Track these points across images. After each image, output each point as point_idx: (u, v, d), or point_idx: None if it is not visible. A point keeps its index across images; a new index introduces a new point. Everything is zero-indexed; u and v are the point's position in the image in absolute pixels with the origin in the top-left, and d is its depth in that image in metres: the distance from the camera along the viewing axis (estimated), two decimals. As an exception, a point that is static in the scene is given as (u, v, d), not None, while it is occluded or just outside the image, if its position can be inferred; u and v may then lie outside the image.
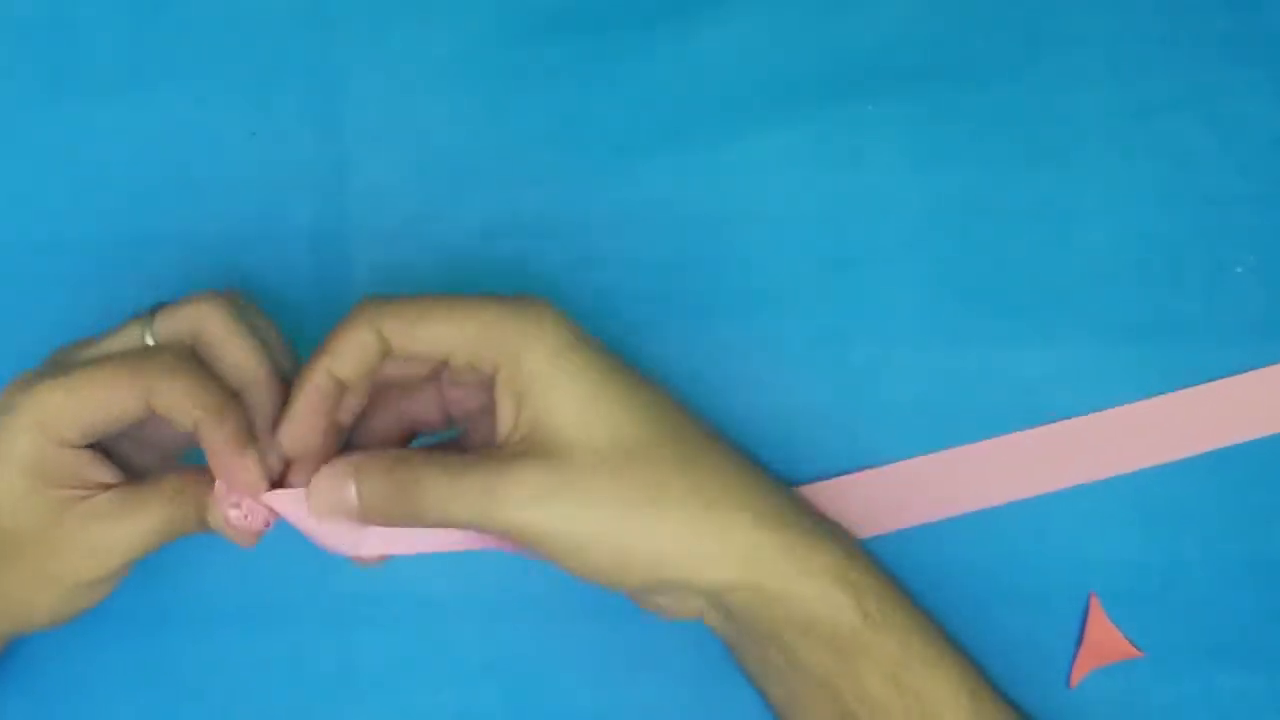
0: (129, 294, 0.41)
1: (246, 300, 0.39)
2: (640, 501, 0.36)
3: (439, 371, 0.39)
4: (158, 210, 0.46)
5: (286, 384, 0.38)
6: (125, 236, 0.46)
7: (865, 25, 0.46)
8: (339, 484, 0.37)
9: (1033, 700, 0.43)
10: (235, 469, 0.37)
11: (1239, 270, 0.45)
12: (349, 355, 0.37)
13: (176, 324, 0.38)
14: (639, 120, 0.46)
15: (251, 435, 0.37)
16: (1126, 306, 0.45)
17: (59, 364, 0.38)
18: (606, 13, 0.47)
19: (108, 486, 0.38)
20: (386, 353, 0.37)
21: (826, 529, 0.39)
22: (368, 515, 0.37)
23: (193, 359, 0.38)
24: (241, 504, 0.38)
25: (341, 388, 0.38)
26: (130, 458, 0.40)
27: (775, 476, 0.40)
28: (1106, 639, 0.43)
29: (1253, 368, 0.44)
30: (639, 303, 0.45)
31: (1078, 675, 0.43)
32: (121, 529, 0.37)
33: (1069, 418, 0.44)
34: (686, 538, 0.37)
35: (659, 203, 0.46)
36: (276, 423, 0.38)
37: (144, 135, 0.46)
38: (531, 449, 0.36)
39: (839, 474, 0.44)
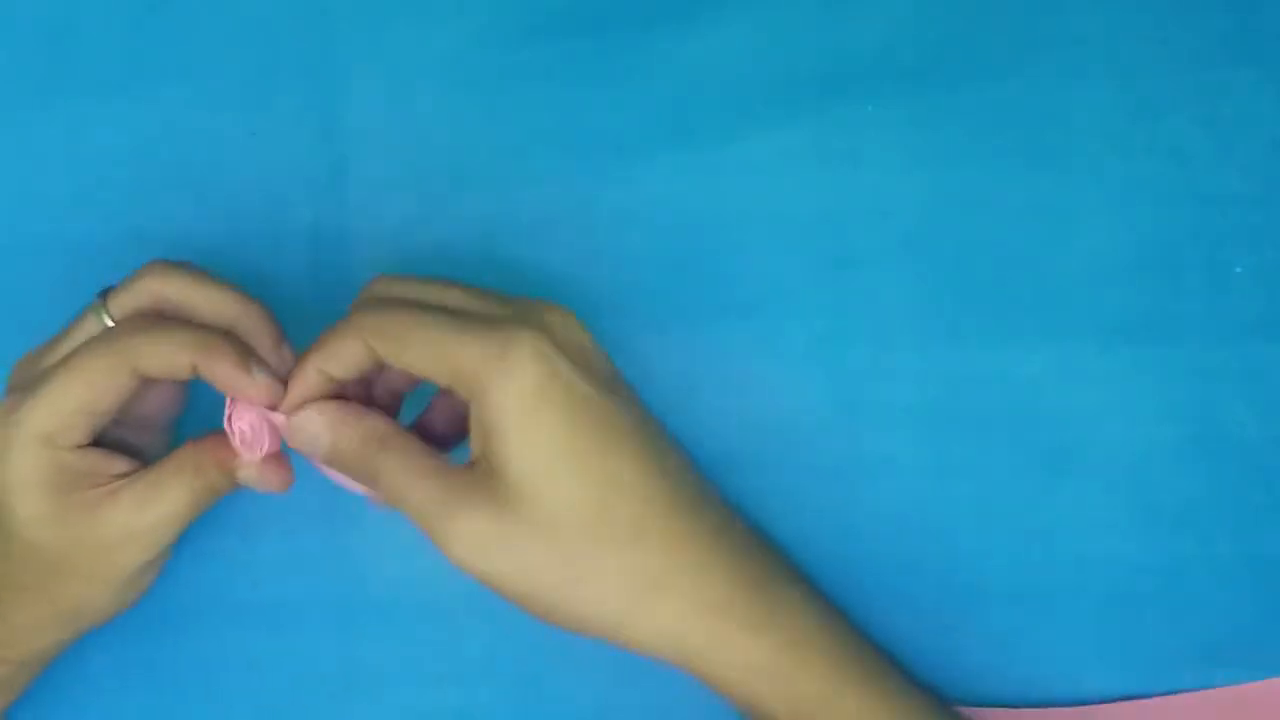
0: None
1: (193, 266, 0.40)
2: (574, 573, 0.36)
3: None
4: (158, 210, 0.46)
5: (269, 312, 0.39)
6: (125, 236, 0.46)
7: (865, 25, 0.46)
8: (314, 433, 0.38)
9: (1029, 702, 0.43)
10: (245, 389, 0.37)
11: (1238, 270, 0.45)
12: (340, 359, 0.38)
13: (133, 299, 0.39)
14: (639, 120, 0.46)
15: (249, 352, 0.38)
16: (1126, 306, 0.45)
17: (30, 375, 0.39)
18: (606, 13, 0.47)
19: (123, 475, 0.38)
20: (377, 359, 0.38)
21: (775, 614, 0.38)
22: (332, 464, 0.38)
23: (158, 316, 0.38)
24: (248, 421, 0.38)
25: (336, 380, 0.38)
26: (128, 441, 0.40)
27: (744, 543, 0.39)
28: None
29: (1252, 368, 0.44)
30: (639, 303, 0.45)
31: None
32: (151, 512, 0.38)
33: (1067, 419, 0.44)
34: (611, 615, 0.37)
35: (659, 203, 0.46)
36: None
37: (144, 135, 0.46)
38: (485, 488, 0.36)
39: (838, 478, 0.44)
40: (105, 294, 0.39)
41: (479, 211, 0.46)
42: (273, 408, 0.38)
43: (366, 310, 0.38)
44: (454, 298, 0.38)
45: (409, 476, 0.37)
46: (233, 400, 0.38)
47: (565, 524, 0.36)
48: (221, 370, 0.37)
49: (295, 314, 0.45)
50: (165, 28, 0.47)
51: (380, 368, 0.39)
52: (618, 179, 0.46)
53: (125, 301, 0.39)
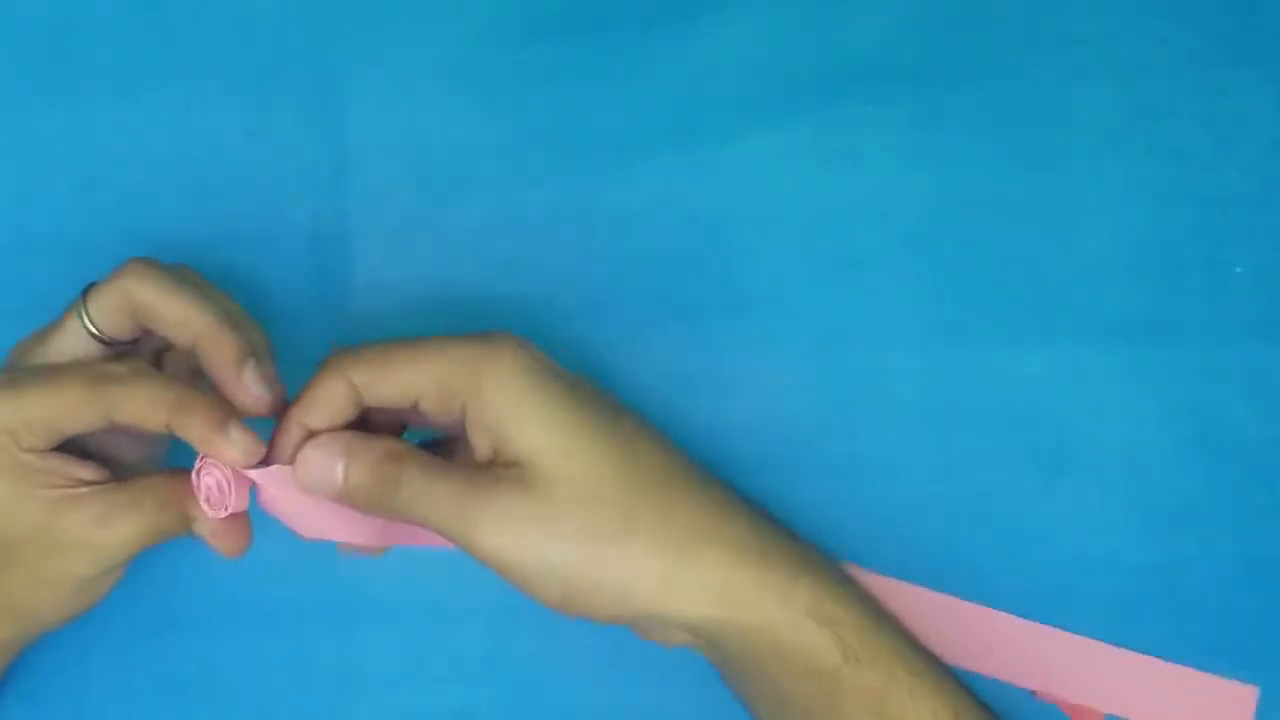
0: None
1: (180, 267, 0.39)
2: (610, 536, 0.36)
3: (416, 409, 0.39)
4: (158, 210, 0.46)
5: (237, 331, 0.38)
6: (125, 236, 0.46)
7: (865, 25, 0.46)
8: (328, 463, 0.37)
9: (1027, 703, 0.43)
10: (220, 450, 0.37)
11: (1238, 270, 0.45)
12: (321, 408, 0.37)
13: (109, 298, 0.38)
14: (639, 120, 0.46)
15: (227, 413, 0.37)
16: (1126, 306, 0.45)
17: (12, 369, 0.38)
18: (606, 13, 0.47)
19: (91, 482, 0.38)
20: (359, 401, 0.37)
21: (805, 562, 0.39)
22: (349, 498, 0.37)
23: (146, 366, 0.38)
24: (215, 478, 0.37)
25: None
26: (113, 449, 0.40)
27: (754, 508, 0.40)
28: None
29: (1252, 368, 0.44)
30: (639, 302, 0.45)
31: None
32: (111, 531, 0.38)
33: (1067, 419, 0.44)
34: (656, 572, 0.36)
35: (659, 203, 0.46)
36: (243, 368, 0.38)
37: (144, 135, 0.46)
38: (506, 476, 0.36)
39: (838, 478, 0.44)
40: (88, 291, 0.39)
41: (479, 211, 0.46)
42: (247, 466, 0.37)
43: (342, 351, 0.38)
44: (410, 344, 0.38)
45: (429, 483, 0.36)
46: (203, 455, 0.38)
47: (594, 493, 0.36)
48: (196, 431, 0.37)
49: (295, 314, 0.45)
50: (165, 28, 0.47)
51: (362, 413, 0.38)
52: (618, 179, 0.46)
53: (103, 302, 0.38)
